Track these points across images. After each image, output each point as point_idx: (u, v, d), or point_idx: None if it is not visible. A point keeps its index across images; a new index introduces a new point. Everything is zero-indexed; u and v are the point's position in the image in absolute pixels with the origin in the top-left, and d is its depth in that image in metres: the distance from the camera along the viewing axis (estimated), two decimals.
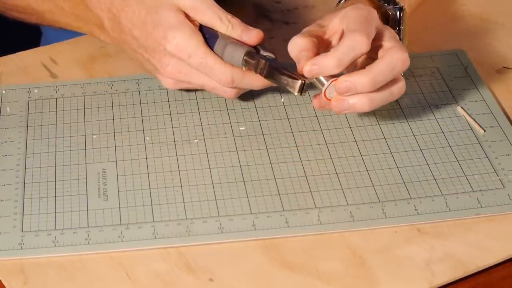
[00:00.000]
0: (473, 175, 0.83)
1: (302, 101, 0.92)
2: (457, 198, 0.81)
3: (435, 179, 0.83)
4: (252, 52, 0.84)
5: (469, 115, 0.90)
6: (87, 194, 0.81)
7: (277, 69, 0.82)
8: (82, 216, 0.79)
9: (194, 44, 0.83)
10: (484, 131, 0.88)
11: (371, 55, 0.82)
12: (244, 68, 0.84)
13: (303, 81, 0.80)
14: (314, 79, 0.81)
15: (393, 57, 0.80)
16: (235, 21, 0.85)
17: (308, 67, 0.80)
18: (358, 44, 0.79)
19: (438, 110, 0.91)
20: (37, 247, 0.76)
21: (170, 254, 0.76)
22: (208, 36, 0.84)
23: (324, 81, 0.81)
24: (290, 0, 1.08)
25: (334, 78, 0.80)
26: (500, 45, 1.01)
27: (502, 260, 0.77)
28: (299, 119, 0.89)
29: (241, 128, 0.88)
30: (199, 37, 0.83)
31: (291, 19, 1.05)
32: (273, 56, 0.84)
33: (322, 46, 0.83)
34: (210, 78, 0.84)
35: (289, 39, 0.80)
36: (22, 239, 0.76)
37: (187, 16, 0.84)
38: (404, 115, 0.90)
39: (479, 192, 0.82)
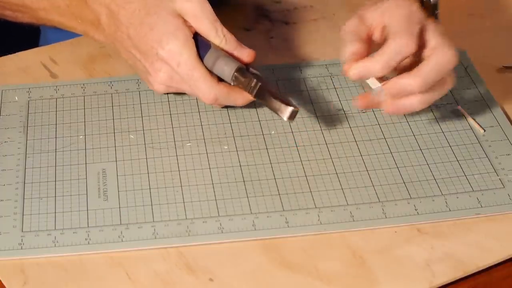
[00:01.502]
0: (473, 175, 0.83)
1: (302, 101, 0.92)
2: (457, 198, 0.81)
3: (435, 179, 0.83)
4: (243, 69, 0.84)
5: (469, 115, 0.90)
6: (87, 194, 0.81)
7: (269, 91, 0.82)
8: (82, 216, 0.79)
9: (185, 53, 0.83)
10: (484, 131, 0.88)
11: (416, 52, 0.82)
12: (232, 83, 0.84)
13: (295, 109, 0.80)
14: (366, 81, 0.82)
15: (441, 57, 0.80)
16: (230, 37, 0.85)
17: (356, 70, 0.80)
18: (405, 47, 0.79)
19: (438, 110, 0.91)
20: (37, 247, 0.76)
21: (170, 254, 0.76)
22: (201, 44, 0.84)
23: (374, 84, 0.82)
24: (290, 0, 1.08)
25: (384, 82, 0.81)
26: (500, 45, 1.01)
27: (502, 260, 0.77)
28: (299, 119, 0.89)
29: (241, 130, 0.88)
30: (191, 47, 0.83)
31: (291, 19, 1.05)
32: (260, 75, 0.85)
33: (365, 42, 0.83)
34: (193, 90, 0.84)
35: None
36: (22, 239, 0.76)
37: (184, 21, 0.84)
38: (404, 115, 0.90)
39: (479, 192, 0.82)
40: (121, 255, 0.76)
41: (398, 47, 0.79)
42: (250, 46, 1.00)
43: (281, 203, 0.80)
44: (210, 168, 0.84)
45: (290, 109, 0.80)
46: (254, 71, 0.85)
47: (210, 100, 0.84)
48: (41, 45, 1.01)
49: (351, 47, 0.82)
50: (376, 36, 0.84)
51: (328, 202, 0.80)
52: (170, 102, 0.91)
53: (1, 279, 0.74)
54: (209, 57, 0.84)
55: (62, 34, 1.01)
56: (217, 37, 0.85)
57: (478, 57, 0.99)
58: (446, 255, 0.76)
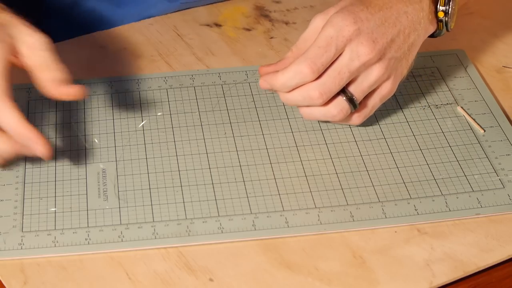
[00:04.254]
0: (473, 175, 0.83)
1: None
2: (457, 198, 0.81)
3: (435, 179, 0.83)
4: None
5: (469, 115, 0.90)
6: (87, 194, 0.81)
7: None
8: (82, 216, 0.79)
9: None
10: (484, 131, 0.88)
11: None
12: None
13: None
14: None
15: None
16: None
17: (261, 82, 0.83)
18: (303, 74, 0.80)
19: (438, 110, 0.91)
20: (37, 247, 0.76)
21: (170, 254, 0.76)
22: None
23: None
24: (290, 0, 1.08)
25: None
26: (500, 45, 1.01)
27: (502, 260, 0.77)
28: (299, 119, 0.89)
29: (241, 129, 0.88)
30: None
31: (291, 19, 1.05)
32: None
33: None
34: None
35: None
36: (22, 239, 0.76)
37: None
38: (404, 115, 0.90)
39: (479, 192, 0.82)
40: (121, 255, 0.76)
41: (297, 70, 0.81)
42: (250, 46, 1.00)
43: (281, 203, 0.80)
44: (210, 168, 0.84)
45: None
46: None
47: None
48: None
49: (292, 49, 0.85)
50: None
51: (328, 202, 0.80)
52: (170, 102, 0.91)
53: (1, 279, 0.74)
54: None
55: (62, 34, 1.01)
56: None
57: (478, 57, 0.99)
58: (446, 255, 0.76)
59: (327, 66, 0.80)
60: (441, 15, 0.85)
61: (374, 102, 0.84)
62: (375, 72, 0.81)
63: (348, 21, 0.80)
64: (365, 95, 0.83)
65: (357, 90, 0.82)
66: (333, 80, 0.80)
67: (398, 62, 0.83)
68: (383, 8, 0.82)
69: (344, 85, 0.81)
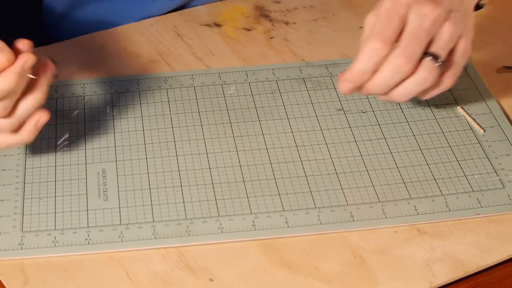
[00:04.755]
0: (473, 175, 0.83)
1: (302, 101, 0.92)
2: (457, 198, 0.81)
3: (435, 179, 0.83)
4: None
5: (469, 115, 0.90)
6: (87, 194, 0.81)
7: None
8: (82, 216, 0.79)
9: None
10: (484, 131, 0.88)
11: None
12: None
13: None
14: None
15: (392, 63, 0.79)
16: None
17: (340, 86, 0.81)
18: (376, 49, 0.78)
19: (438, 110, 0.91)
20: (37, 247, 0.76)
21: (170, 254, 0.76)
22: None
23: None
24: (290, 0, 1.08)
25: None
26: (500, 45, 1.01)
27: (502, 260, 0.77)
28: (299, 119, 0.89)
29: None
30: None
31: (291, 19, 1.05)
32: None
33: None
34: None
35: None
36: (22, 239, 0.76)
37: None
38: (404, 115, 0.90)
39: (479, 192, 0.82)
40: (121, 255, 0.76)
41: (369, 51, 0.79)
42: (250, 46, 1.00)
43: (281, 203, 0.80)
44: (210, 168, 0.84)
45: None
46: None
47: None
48: (41, 45, 1.01)
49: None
50: None
51: (328, 202, 0.80)
52: (170, 102, 0.91)
53: (1, 279, 0.74)
54: None
55: (62, 34, 1.01)
56: None
57: (478, 57, 0.99)
58: (446, 255, 0.76)
59: (397, 35, 0.79)
60: None
61: (458, 59, 0.83)
62: (447, 28, 0.79)
63: None
64: (447, 53, 0.81)
65: (437, 49, 0.80)
66: (412, 43, 0.78)
67: (465, 18, 0.82)
68: None
69: (425, 46, 0.79)
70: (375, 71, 0.79)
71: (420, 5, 0.79)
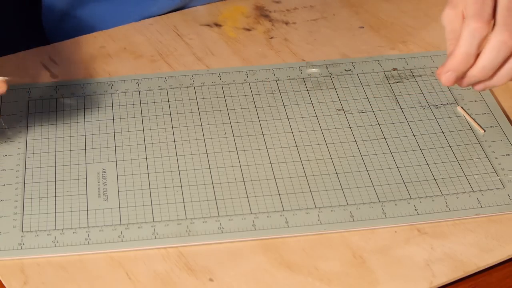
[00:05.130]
0: (473, 175, 0.83)
1: (302, 101, 0.92)
2: (457, 198, 0.81)
3: (435, 179, 0.83)
4: None
5: (469, 115, 0.90)
6: (87, 194, 0.81)
7: None
8: (82, 216, 0.79)
9: None
10: (484, 131, 0.88)
11: None
12: None
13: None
14: None
15: (496, 40, 0.77)
16: None
17: (443, 78, 0.79)
18: (477, 30, 0.76)
19: (438, 110, 0.91)
20: (37, 247, 0.76)
21: (170, 254, 0.76)
22: None
23: None
24: (290, 0, 1.08)
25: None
26: None
27: (502, 260, 0.77)
28: (299, 119, 0.89)
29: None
30: None
31: (291, 19, 1.05)
32: None
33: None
34: None
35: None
36: (22, 239, 0.76)
37: None
38: (404, 115, 0.90)
39: (479, 192, 0.82)
40: (121, 255, 0.76)
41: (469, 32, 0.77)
42: (250, 46, 1.00)
43: (281, 203, 0.80)
44: (210, 168, 0.84)
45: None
46: None
47: None
48: (41, 45, 1.01)
49: (448, 48, 0.79)
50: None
51: (328, 202, 0.80)
52: (170, 102, 0.91)
53: (1, 279, 0.74)
54: None
55: (62, 34, 1.01)
56: None
57: None
58: (446, 255, 0.76)
59: (493, 14, 0.77)
60: None
61: None
62: None
63: None
64: None
65: None
66: (511, 17, 0.77)
67: None
68: None
69: None
70: (477, 54, 0.78)
71: None
